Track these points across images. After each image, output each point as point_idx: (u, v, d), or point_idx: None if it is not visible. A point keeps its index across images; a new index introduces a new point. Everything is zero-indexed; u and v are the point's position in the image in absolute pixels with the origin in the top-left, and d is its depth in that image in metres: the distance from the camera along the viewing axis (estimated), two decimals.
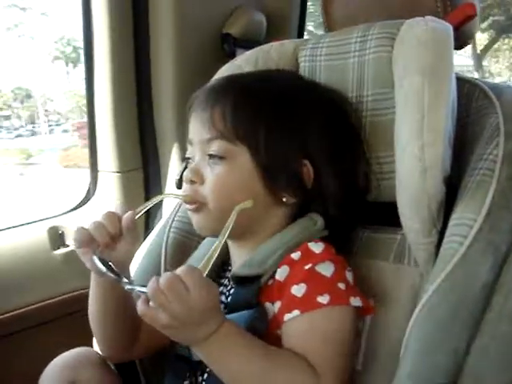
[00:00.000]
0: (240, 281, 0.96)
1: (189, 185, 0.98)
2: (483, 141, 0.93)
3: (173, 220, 1.26)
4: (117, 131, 1.71)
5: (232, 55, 1.60)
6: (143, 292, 0.80)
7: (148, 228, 1.76)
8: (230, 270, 1.05)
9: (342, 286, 0.88)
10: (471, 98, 1.01)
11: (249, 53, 1.19)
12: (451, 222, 0.88)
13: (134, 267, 1.28)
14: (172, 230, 1.24)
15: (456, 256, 0.83)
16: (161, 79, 1.68)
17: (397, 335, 0.90)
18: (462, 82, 1.00)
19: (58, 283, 1.62)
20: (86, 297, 1.62)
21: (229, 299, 0.99)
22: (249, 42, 1.59)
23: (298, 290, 0.88)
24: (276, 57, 1.15)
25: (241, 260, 0.99)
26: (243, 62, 1.17)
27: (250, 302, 0.92)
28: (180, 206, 1.27)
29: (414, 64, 0.91)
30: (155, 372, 1.21)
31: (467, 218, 0.85)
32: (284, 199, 0.97)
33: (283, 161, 0.96)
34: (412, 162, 0.88)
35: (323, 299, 0.86)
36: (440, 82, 0.88)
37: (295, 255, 0.91)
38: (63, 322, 1.60)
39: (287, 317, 0.87)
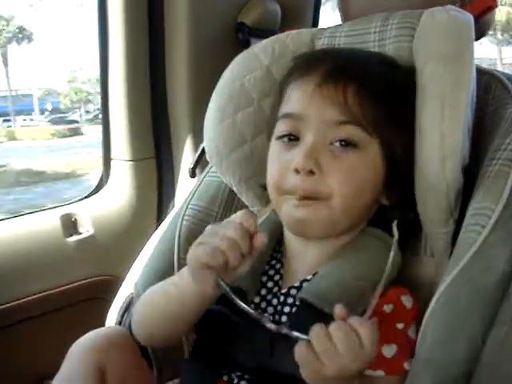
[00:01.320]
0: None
1: (304, 176, 0.86)
2: (501, 131, 0.92)
3: (186, 208, 1.26)
4: (130, 120, 1.71)
5: (246, 44, 1.59)
6: (303, 339, 0.72)
7: (160, 217, 1.77)
8: (279, 261, 0.98)
9: (411, 335, 0.87)
10: (489, 88, 1.01)
11: (265, 41, 1.18)
12: (469, 212, 0.88)
13: (147, 255, 1.28)
14: (185, 217, 1.23)
15: (474, 246, 0.83)
16: (175, 68, 1.68)
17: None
18: (480, 72, 0.99)
19: (70, 270, 1.63)
20: (97, 284, 1.65)
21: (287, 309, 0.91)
22: (263, 32, 1.59)
23: (389, 350, 0.83)
24: (293, 45, 1.14)
25: (308, 261, 0.94)
26: (260, 51, 1.16)
27: None
28: (194, 194, 1.27)
29: (436, 52, 0.90)
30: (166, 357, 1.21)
31: (486, 208, 0.85)
32: (383, 201, 0.94)
33: (406, 158, 0.91)
34: (431, 150, 0.88)
35: (407, 365, 0.84)
36: (461, 70, 0.88)
37: (388, 308, 0.86)
38: (76, 308, 1.61)
39: (369, 372, 0.81)
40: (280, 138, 0.93)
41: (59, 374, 1.02)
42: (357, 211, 0.91)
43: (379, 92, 0.89)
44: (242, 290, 0.90)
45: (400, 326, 0.86)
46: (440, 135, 0.87)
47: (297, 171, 0.87)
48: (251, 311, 0.80)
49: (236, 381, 0.91)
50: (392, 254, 0.86)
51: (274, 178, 0.92)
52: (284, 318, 0.91)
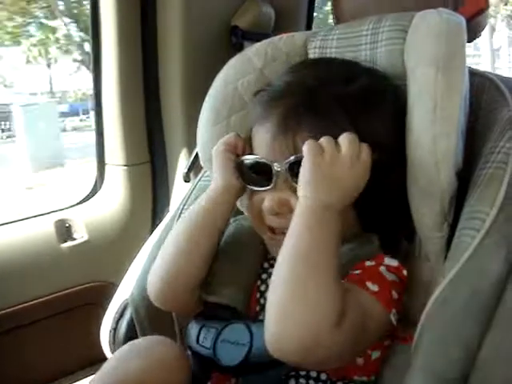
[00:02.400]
0: None
1: (278, 216, 0.92)
2: (495, 134, 0.92)
3: (181, 213, 1.26)
4: (124, 125, 1.71)
5: (240, 47, 1.59)
6: None
7: (155, 222, 1.77)
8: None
9: (394, 294, 0.87)
10: (482, 90, 1.00)
11: (258, 45, 1.18)
12: (463, 216, 0.87)
13: (142, 260, 1.28)
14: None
15: (469, 250, 0.82)
16: (168, 72, 1.67)
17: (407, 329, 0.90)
18: (472, 74, 0.99)
19: (65, 276, 1.63)
20: (92, 290, 1.65)
21: None
22: (257, 35, 1.59)
23: (355, 272, 0.88)
24: (286, 48, 1.13)
25: None
26: (253, 54, 1.16)
27: None
28: (188, 199, 1.27)
29: (427, 55, 0.90)
30: None
31: (480, 212, 0.84)
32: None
33: (385, 173, 0.91)
34: (424, 154, 0.87)
35: (373, 287, 0.85)
36: (453, 73, 0.87)
37: (369, 263, 0.90)
38: (70, 314, 1.61)
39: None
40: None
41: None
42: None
43: (332, 122, 0.89)
44: (229, 306, 0.95)
45: (373, 264, 0.89)
46: (432, 139, 0.86)
47: (271, 214, 0.93)
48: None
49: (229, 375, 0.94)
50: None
51: (254, 211, 0.98)
52: None
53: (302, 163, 0.85)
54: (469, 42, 1.08)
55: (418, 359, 0.83)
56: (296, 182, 0.87)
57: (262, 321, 0.81)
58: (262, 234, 0.98)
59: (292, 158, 0.88)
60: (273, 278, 0.82)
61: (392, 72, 0.99)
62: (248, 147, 1.01)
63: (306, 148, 0.85)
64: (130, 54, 1.67)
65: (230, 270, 0.99)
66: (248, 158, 0.97)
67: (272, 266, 0.97)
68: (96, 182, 1.82)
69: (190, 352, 1.00)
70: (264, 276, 1.00)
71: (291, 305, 0.77)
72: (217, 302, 0.97)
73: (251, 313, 0.97)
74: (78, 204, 1.78)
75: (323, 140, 0.86)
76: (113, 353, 1.25)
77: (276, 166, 0.91)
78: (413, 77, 0.92)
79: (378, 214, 0.93)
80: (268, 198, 0.93)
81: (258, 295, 0.99)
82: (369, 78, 0.95)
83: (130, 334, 1.24)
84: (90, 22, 1.67)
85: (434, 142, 0.86)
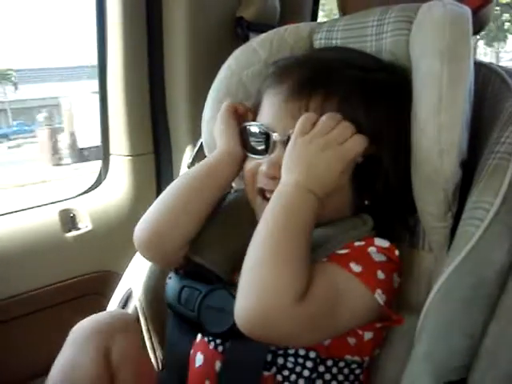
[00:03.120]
0: None
1: (272, 180, 0.93)
2: (500, 125, 0.92)
3: None
4: (129, 115, 1.70)
5: (245, 39, 1.59)
6: None
7: None
8: None
9: (380, 275, 0.87)
10: (488, 82, 1.01)
11: (263, 35, 1.18)
12: (468, 206, 0.88)
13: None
14: None
15: (473, 239, 0.83)
16: (174, 63, 1.67)
17: (413, 318, 0.89)
18: (478, 66, 0.99)
19: (69, 266, 1.63)
20: (96, 279, 1.65)
21: None
22: (262, 26, 1.58)
23: (341, 251, 0.89)
24: (291, 39, 1.14)
25: None
26: (258, 45, 1.16)
27: None
28: None
29: (432, 46, 0.90)
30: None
31: (484, 202, 0.84)
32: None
33: (389, 158, 0.93)
34: (429, 143, 0.88)
35: (355, 268, 0.86)
36: (458, 64, 0.88)
37: (358, 243, 0.91)
38: (74, 304, 1.61)
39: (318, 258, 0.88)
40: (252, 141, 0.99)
41: (61, 356, 1.01)
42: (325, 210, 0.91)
43: (344, 100, 0.91)
44: (216, 275, 0.96)
45: (372, 250, 0.89)
46: (437, 129, 0.86)
47: (267, 176, 0.95)
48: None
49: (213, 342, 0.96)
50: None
51: (247, 177, 1.00)
52: None
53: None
54: (475, 33, 1.08)
55: (421, 347, 0.83)
56: None
57: None
58: (253, 199, 0.99)
59: (292, 130, 0.90)
60: (247, 252, 0.84)
61: (397, 63, 0.99)
62: (252, 116, 1.02)
63: (299, 121, 0.88)
64: (134, 46, 1.67)
65: (220, 235, 1.00)
66: (251, 124, 0.99)
67: None
68: (100, 171, 1.82)
69: (169, 311, 1.01)
70: None
71: (253, 281, 0.80)
72: (202, 263, 0.98)
73: (235, 280, 0.95)
74: (82, 194, 1.78)
75: (307, 117, 0.89)
76: None
77: (275, 136, 0.93)
78: (418, 67, 0.92)
79: (376, 201, 0.94)
80: (266, 162, 0.94)
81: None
82: (388, 75, 0.97)
83: None
84: (95, 12, 1.67)
85: (438, 132, 0.86)
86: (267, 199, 0.93)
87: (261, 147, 0.96)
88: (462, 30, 0.90)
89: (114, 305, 1.28)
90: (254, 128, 0.98)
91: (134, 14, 1.64)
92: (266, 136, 0.95)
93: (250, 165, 0.99)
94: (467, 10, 0.94)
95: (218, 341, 0.95)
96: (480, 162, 0.91)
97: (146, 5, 1.65)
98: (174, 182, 1.04)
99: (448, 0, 0.95)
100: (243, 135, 1.01)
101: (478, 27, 1.12)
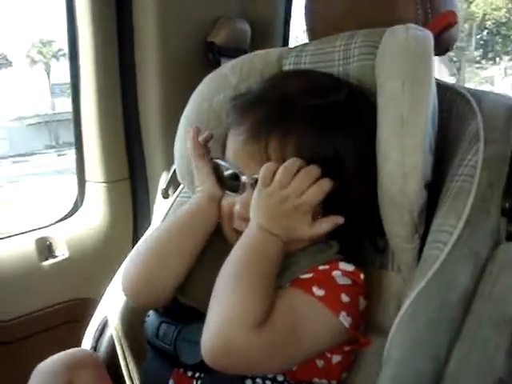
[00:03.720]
0: None
1: (243, 222, 0.94)
2: (463, 147, 0.93)
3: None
4: (103, 142, 1.71)
5: (217, 64, 1.60)
6: None
7: (136, 238, 1.77)
8: None
9: (344, 298, 0.87)
10: (452, 104, 1.02)
11: (233, 61, 1.19)
12: (432, 228, 0.89)
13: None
14: None
15: (437, 263, 0.83)
16: (146, 89, 1.68)
17: (382, 341, 0.89)
18: (443, 88, 1.01)
19: (46, 294, 1.62)
20: (73, 307, 1.65)
21: None
22: (233, 51, 1.60)
23: (305, 276, 0.89)
24: (260, 65, 1.14)
25: None
26: (228, 71, 1.17)
27: None
28: (167, 214, 1.28)
29: (394, 70, 0.91)
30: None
31: (448, 225, 0.86)
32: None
33: (350, 181, 0.92)
34: (392, 167, 0.88)
35: (318, 292, 0.86)
36: (419, 87, 0.89)
37: (323, 267, 0.91)
38: (53, 332, 1.60)
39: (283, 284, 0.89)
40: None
41: None
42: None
43: (302, 136, 0.90)
44: (194, 309, 0.96)
45: (336, 273, 0.89)
46: (400, 153, 0.87)
47: (239, 219, 0.95)
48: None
49: (190, 373, 0.96)
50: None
51: (225, 213, 1.00)
52: None
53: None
54: (440, 54, 1.11)
55: (387, 371, 0.83)
56: None
57: None
58: (231, 236, 0.98)
59: (258, 174, 0.90)
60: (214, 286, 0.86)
61: (364, 88, 1.00)
62: (222, 151, 1.02)
63: (260, 172, 0.89)
64: (107, 73, 1.67)
65: (202, 271, 0.99)
66: (221, 163, 0.99)
67: None
68: (77, 199, 1.82)
69: (148, 346, 1.01)
70: None
71: (214, 311, 0.83)
72: (188, 304, 0.98)
73: None
74: (59, 221, 1.78)
75: (267, 167, 0.89)
76: None
77: (244, 178, 0.93)
78: (381, 91, 0.93)
79: (341, 225, 0.92)
80: (238, 202, 0.95)
81: None
82: (347, 94, 0.95)
83: (110, 351, 1.24)
84: (67, 40, 1.68)
85: (401, 155, 0.87)
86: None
87: (234, 185, 0.96)
88: (423, 53, 0.92)
89: (90, 334, 1.28)
90: (224, 167, 0.99)
91: (105, 42, 1.64)
92: (235, 175, 0.95)
93: (226, 201, 0.99)
94: (429, 34, 0.96)
95: (195, 373, 0.95)
96: (445, 184, 0.92)
97: (117, 31, 1.66)
98: (158, 228, 1.07)
99: (410, 25, 0.97)
100: (217, 170, 1.01)
101: (444, 49, 1.14)
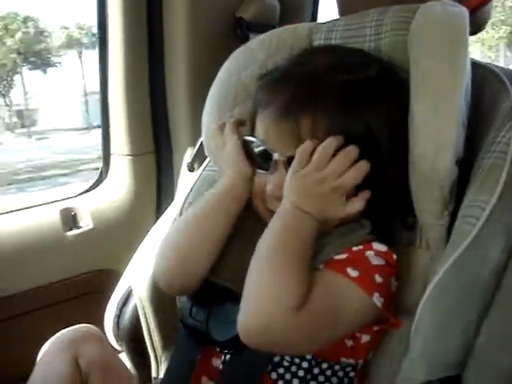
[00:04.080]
0: None
1: (277, 201, 0.93)
2: (496, 124, 0.93)
3: (184, 203, 1.27)
4: (129, 114, 1.72)
5: (245, 39, 1.59)
6: None
7: (159, 211, 1.78)
8: None
9: (378, 278, 0.87)
10: (484, 82, 1.01)
11: (262, 36, 1.18)
12: (464, 204, 0.88)
13: (146, 250, 1.30)
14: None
15: (468, 237, 0.83)
16: (174, 62, 1.68)
17: (410, 317, 0.89)
18: (475, 66, 0.99)
19: (70, 264, 1.64)
20: (96, 278, 1.66)
21: None
22: (262, 27, 1.59)
23: (339, 257, 0.90)
24: (290, 39, 1.13)
25: None
26: (257, 46, 1.16)
27: None
28: (192, 189, 1.29)
29: (429, 47, 0.91)
30: (164, 350, 1.24)
31: (480, 200, 0.85)
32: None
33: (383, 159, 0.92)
34: (425, 142, 0.88)
35: (353, 273, 0.86)
36: (455, 64, 0.88)
37: (356, 248, 0.91)
38: (75, 302, 1.63)
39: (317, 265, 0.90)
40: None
41: (38, 364, 1.09)
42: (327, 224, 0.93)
43: (334, 113, 0.89)
44: (227, 289, 0.96)
45: (370, 254, 0.90)
46: (434, 129, 0.87)
47: (272, 198, 0.95)
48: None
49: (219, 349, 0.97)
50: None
51: (257, 191, 0.99)
52: None
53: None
54: (473, 34, 1.09)
55: (416, 345, 0.84)
56: None
57: None
58: (264, 214, 0.98)
59: (291, 152, 0.90)
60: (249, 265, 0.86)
61: (396, 63, 0.99)
62: (251, 130, 1.02)
63: (297, 152, 0.89)
64: (135, 46, 1.68)
65: (237, 252, 0.99)
66: (252, 141, 0.98)
67: None
68: (101, 171, 1.83)
69: (181, 325, 1.02)
70: None
71: (252, 291, 0.83)
72: (222, 284, 0.98)
73: None
74: (83, 193, 1.80)
75: (304, 149, 0.88)
76: (117, 340, 1.27)
77: (276, 156, 0.92)
78: (415, 68, 0.92)
79: (373, 204, 0.92)
80: (270, 182, 0.94)
81: None
82: (377, 70, 0.94)
83: (134, 321, 1.25)
84: (96, 13, 1.68)
85: (435, 132, 0.87)
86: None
87: (265, 162, 0.95)
88: (459, 30, 0.91)
89: (114, 303, 1.29)
90: (255, 144, 0.98)
91: (135, 15, 1.65)
92: (266, 154, 0.94)
93: (257, 179, 0.99)
94: (465, 10, 0.95)
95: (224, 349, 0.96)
96: (477, 161, 0.92)
97: (146, 6, 1.66)
98: (192, 209, 1.04)
99: (446, 0, 0.96)
100: (247, 148, 1.00)
101: (477, 27, 1.12)
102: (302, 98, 0.91)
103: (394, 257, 0.92)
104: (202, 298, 0.99)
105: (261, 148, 0.96)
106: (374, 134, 0.90)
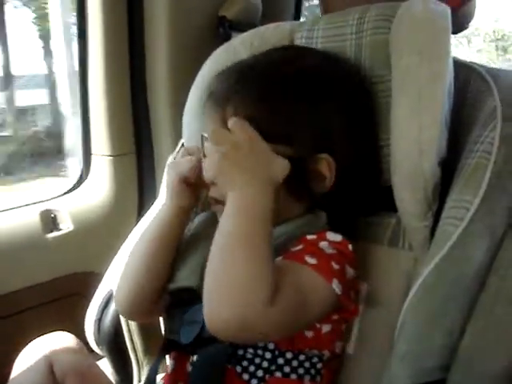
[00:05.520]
0: None
1: (212, 187, 0.93)
2: (480, 124, 0.92)
3: None
4: (110, 114, 1.70)
5: (227, 38, 1.58)
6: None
7: (141, 212, 1.76)
8: None
9: (335, 265, 0.86)
10: (468, 81, 1.00)
11: (244, 35, 1.18)
12: (447, 205, 0.88)
13: (127, 251, 1.28)
14: None
15: (452, 238, 0.83)
16: (155, 62, 1.66)
17: (390, 318, 0.90)
18: (458, 65, 0.99)
19: (50, 266, 1.62)
20: (77, 280, 1.64)
21: None
22: (244, 25, 1.58)
23: (296, 248, 0.88)
24: (272, 39, 1.13)
25: None
26: (238, 44, 1.16)
27: None
28: None
29: (411, 45, 0.90)
30: (146, 354, 1.22)
31: (464, 201, 0.85)
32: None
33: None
34: (408, 143, 0.88)
35: (311, 260, 0.84)
36: (436, 63, 0.88)
37: (311, 237, 0.89)
38: (55, 305, 1.60)
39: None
40: None
41: (12, 375, 1.11)
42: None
43: (258, 101, 0.90)
44: (192, 288, 0.94)
45: (323, 244, 0.88)
46: (417, 128, 0.87)
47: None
48: None
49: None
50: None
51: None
52: None
53: None
54: (456, 32, 1.09)
55: (401, 347, 0.83)
56: None
57: None
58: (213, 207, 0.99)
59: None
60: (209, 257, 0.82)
61: (377, 62, 0.99)
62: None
63: (210, 135, 0.89)
64: (116, 44, 1.66)
65: (184, 256, 1.00)
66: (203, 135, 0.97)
67: None
68: (82, 172, 1.81)
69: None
70: None
71: (221, 283, 0.79)
72: (176, 287, 0.98)
73: None
74: (63, 194, 1.77)
75: (215, 131, 0.89)
76: (97, 343, 1.26)
77: (204, 138, 0.93)
78: (397, 66, 0.92)
79: (329, 196, 0.93)
80: (204, 168, 0.94)
81: None
82: (313, 61, 0.96)
83: (115, 325, 1.24)
84: (76, 9, 1.66)
85: (418, 131, 0.87)
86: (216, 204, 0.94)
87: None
88: (440, 27, 0.91)
89: (94, 306, 1.27)
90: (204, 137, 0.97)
91: (115, 13, 1.63)
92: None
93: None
94: (446, 8, 0.94)
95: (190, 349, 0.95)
96: (460, 161, 0.91)
97: (127, 4, 1.64)
98: (134, 246, 1.05)
99: None
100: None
101: (460, 26, 1.12)
102: (230, 90, 0.93)
103: (350, 247, 0.90)
104: (174, 310, 0.99)
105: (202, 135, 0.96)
106: (296, 127, 0.90)
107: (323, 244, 0.88)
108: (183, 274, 0.98)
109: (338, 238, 0.90)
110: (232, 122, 0.87)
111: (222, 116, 0.91)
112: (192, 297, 0.94)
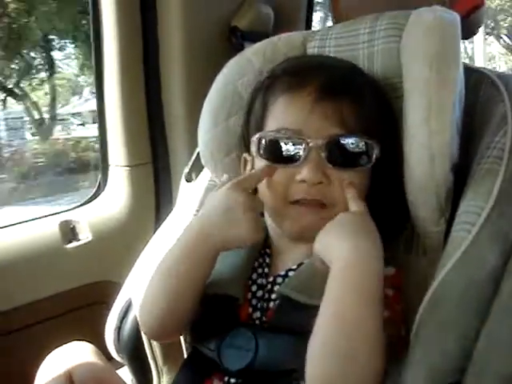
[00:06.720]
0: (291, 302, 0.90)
1: (314, 187, 0.90)
2: (491, 129, 0.93)
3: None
4: (126, 126, 1.72)
5: (240, 48, 1.59)
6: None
7: (158, 221, 1.77)
8: (268, 255, 1.01)
9: (397, 308, 0.88)
10: (479, 86, 1.01)
11: (257, 45, 1.19)
12: (460, 210, 0.88)
13: (146, 260, 1.29)
14: None
15: (464, 243, 0.83)
16: (170, 73, 1.69)
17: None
18: (469, 70, 1.00)
19: (69, 277, 1.64)
20: (97, 289, 1.66)
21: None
22: (256, 35, 1.59)
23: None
24: (284, 48, 1.14)
25: (294, 256, 0.97)
26: (252, 54, 1.17)
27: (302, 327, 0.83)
28: (201, 195, 1.29)
29: (422, 52, 0.91)
30: (166, 362, 1.23)
31: (476, 206, 0.85)
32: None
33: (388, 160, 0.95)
34: (420, 149, 0.88)
35: (386, 312, 0.84)
36: (447, 69, 0.89)
37: None
38: (75, 314, 1.62)
39: None
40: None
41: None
42: None
43: (367, 103, 0.93)
44: (233, 297, 0.95)
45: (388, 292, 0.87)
46: (428, 135, 0.87)
47: (310, 184, 0.90)
48: None
49: (228, 378, 0.93)
50: None
51: (278, 189, 0.94)
52: (271, 304, 0.94)
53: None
54: (465, 38, 1.09)
55: (416, 352, 0.83)
56: (332, 164, 0.90)
57: (267, 330, 0.89)
58: (285, 212, 0.95)
59: (333, 135, 0.91)
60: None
61: (389, 70, 1.00)
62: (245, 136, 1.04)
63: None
64: (131, 56, 1.69)
65: (226, 260, 0.97)
66: (274, 136, 0.94)
67: (264, 257, 1.00)
68: (100, 183, 1.83)
69: (190, 351, 1.02)
70: (254, 275, 0.99)
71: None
72: (222, 293, 0.96)
73: (243, 313, 0.96)
74: (82, 205, 1.80)
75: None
76: (118, 351, 1.27)
77: (310, 141, 0.90)
78: (408, 74, 0.93)
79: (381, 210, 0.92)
80: (305, 169, 0.90)
81: (250, 295, 0.97)
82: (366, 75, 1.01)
83: (135, 333, 1.25)
84: (91, 24, 1.69)
85: (429, 137, 0.87)
86: (305, 205, 0.92)
87: (293, 154, 0.92)
88: (451, 35, 0.91)
89: (114, 314, 1.29)
90: (278, 137, 0.94)
91: (129, 24, 1.67)
92: (297, 142, 0.91)
93: (279, 177, 0.94)
94: (456, 16, 0.95)
95: (233, 380, 0.93)
96: (472, 167, 0.92)
97: (140, 16, 1.67)
98: (169, 260, 0.99)
99: (437, 7, 0.96)
100: (266, 145, 0.96)
101: (470, 32, 1.13)
102: (345, 79, 0.94)
103: (401, 276, 0.92)
104: (212, 325, 0.96)
105: (286, 137, 0.93)
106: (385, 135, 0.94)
107: (387, 291, 0.87)
108: (227, 280, 0.97)
109: (391, 271, 0.90)
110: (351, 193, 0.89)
111: (335, 105, 0.90)
112: (232, 310, 0.94)
